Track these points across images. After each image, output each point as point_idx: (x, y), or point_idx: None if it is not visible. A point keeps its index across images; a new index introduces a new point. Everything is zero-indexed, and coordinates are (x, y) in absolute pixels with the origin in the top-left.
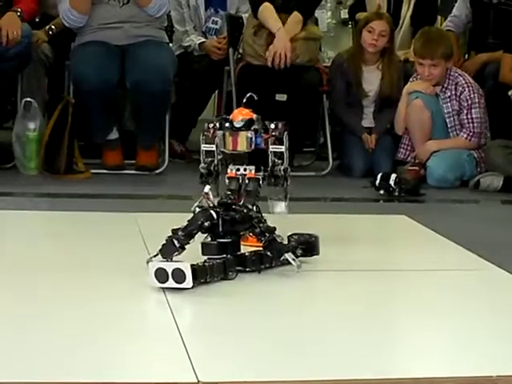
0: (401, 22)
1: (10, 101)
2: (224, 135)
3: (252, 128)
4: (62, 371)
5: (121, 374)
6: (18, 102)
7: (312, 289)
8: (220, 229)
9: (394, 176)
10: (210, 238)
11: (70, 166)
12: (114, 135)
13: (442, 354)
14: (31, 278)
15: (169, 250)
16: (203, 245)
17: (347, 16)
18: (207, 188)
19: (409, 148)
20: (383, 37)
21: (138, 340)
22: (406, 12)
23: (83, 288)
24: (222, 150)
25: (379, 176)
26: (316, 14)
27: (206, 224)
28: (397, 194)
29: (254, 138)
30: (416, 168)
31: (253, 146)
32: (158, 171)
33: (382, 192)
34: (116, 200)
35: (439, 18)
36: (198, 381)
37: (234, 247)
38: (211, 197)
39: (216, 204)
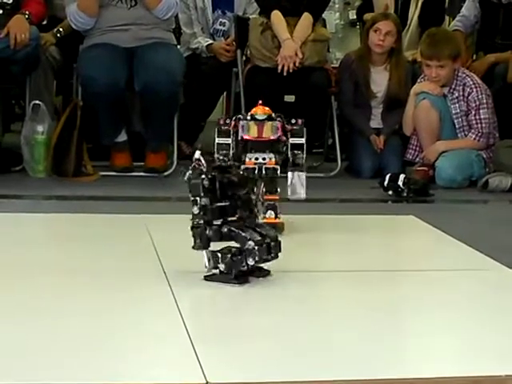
0: (408, 22)
1: (18, 103)
2: (248, 124)
3: (277, 119)
4: (70, 373)
5: (131, 376)
6: (26, 104)
7: (320, 289)
8: (218, 192)
9: (402, 176)
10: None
11: (78, 169)
12: (122, 137)
13: (451, 353)
14: (40, 282)
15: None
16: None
17: (355, 17)
18: (197, 153)
19: (417, 149)
20: (390, 37)
21: (148, 342)
22: (414, 12)
23: (91, 291)
24: (246, 137)
25: (388, 177)
26: (324, 15)
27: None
28: (405, 194)
29: (278, 127)
30: (424, 168)
31: (278, 134)
32: (166, 173)
33: (390, 193)
34: (125, 202)
35: (447, 18)
36: (207, 382)
37: (233, 210)
38: (203, 161)
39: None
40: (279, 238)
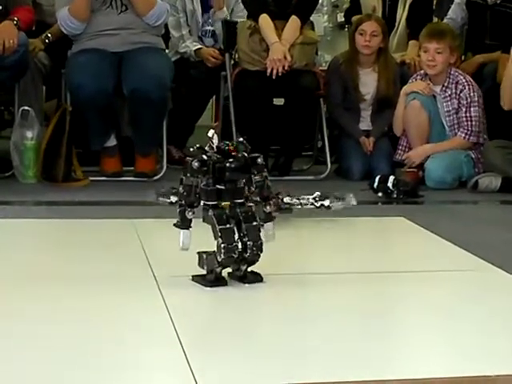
0: (396, 24)
1: (8, 109)
2: None
3: None
4: (58, 380)
5: (121, 380)
6: (15, 110)
7: (311, 292)
8: (212, 175)
9: (392, 178)
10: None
11: (68, 174)
12: (111, 142)
13: (441, 354)
14: (29, 288)
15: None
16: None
17: (343, 19)
18: (211, 132)
19: (406, 149)
20: (375, 37)
21: (139, 349)
22: (402, 14)
23: (81, 296)
24: None
25: (377, 178)
26: (312, 18)
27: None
28: (395, 196)
29: None
30: (414, 170)
31: None
32: (156, 177)
33: (380, 194)
34: (114, 207)
35: (435, 19)
36: None
37: (232, 195)
38: (215, 140)
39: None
40: (261, 240)
